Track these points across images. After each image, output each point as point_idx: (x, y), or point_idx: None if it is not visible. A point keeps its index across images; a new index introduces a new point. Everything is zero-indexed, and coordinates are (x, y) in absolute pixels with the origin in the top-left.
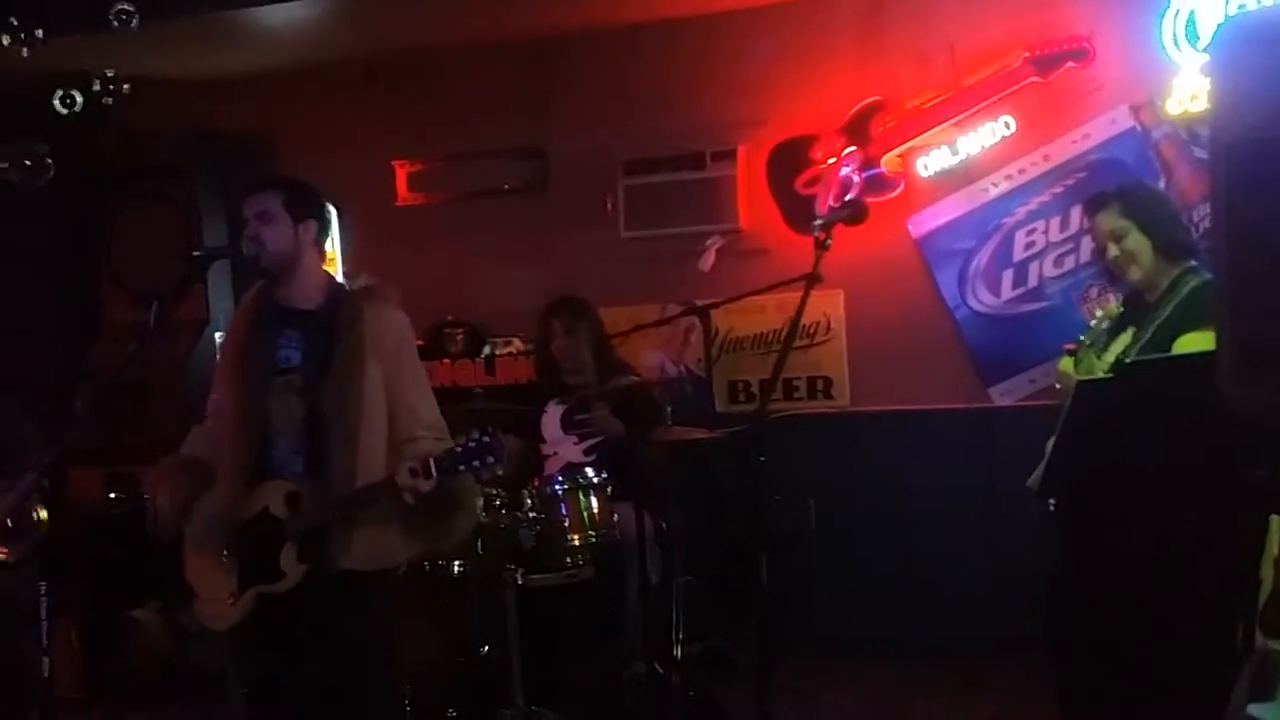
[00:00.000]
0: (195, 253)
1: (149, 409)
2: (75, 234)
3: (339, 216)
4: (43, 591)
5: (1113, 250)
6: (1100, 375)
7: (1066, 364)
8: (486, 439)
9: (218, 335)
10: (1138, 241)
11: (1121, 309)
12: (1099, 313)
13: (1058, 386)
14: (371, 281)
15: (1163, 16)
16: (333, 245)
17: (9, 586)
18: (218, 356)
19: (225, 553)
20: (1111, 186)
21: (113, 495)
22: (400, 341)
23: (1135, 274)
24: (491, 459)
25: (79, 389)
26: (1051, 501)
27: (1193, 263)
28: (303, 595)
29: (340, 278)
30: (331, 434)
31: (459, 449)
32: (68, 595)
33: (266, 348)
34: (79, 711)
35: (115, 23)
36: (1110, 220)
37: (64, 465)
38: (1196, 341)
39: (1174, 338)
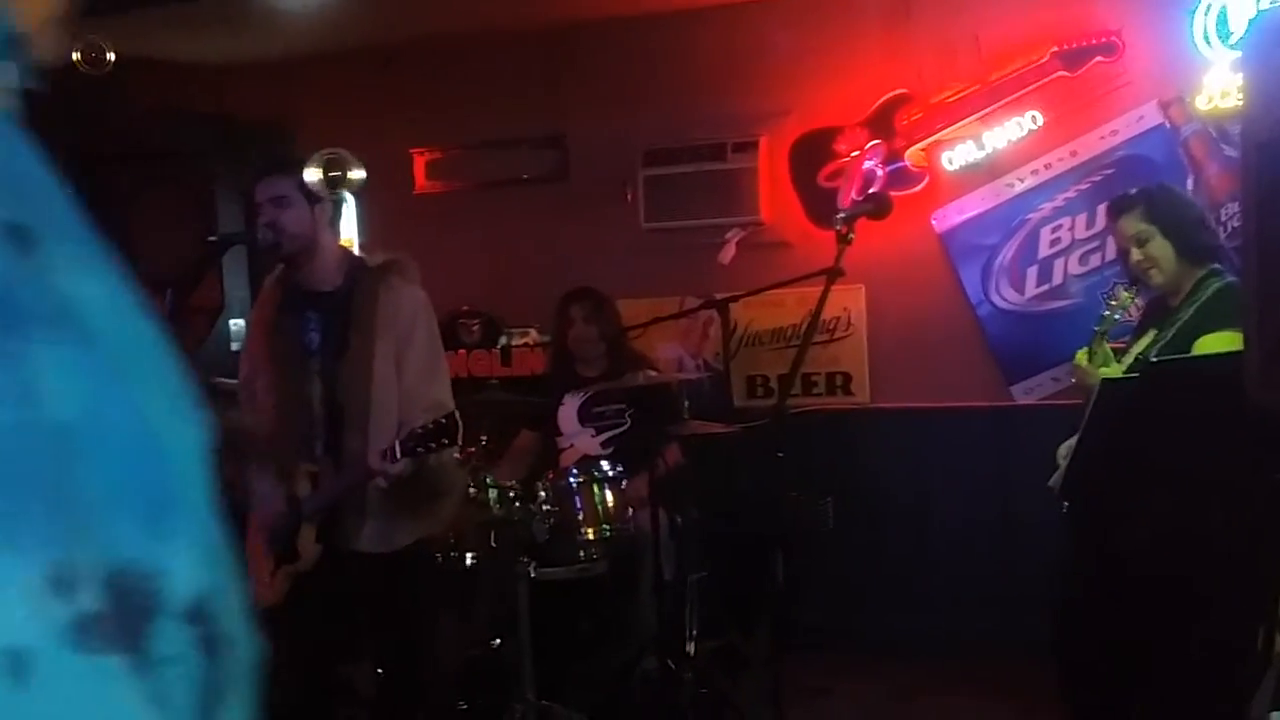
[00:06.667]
0: (211, 238)
1: None
2: (83, 216)
3: (357, 204)
4: None
5: (1135, 254)
6: (1122, 375)
7: (1081, 356)
8: (443, 420)
9: (233, 322)
10: (1160, 246)
11: (1133, 297)
12: (1113, 302)
13: (1073, 380)
14: (391, 257)
15: (1194, 12)
16: (350, 232)
17: None
18: (233, 344)
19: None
20: (1134, 189)
21: None
22: (414, 320)
23: (1158, 278)
24: (447, 440)
25: None
26: (1065, 504)
27: (1216, 265)
28: (328, 575)
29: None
30: (346, 417)
31: (419, 429)
32: None
33: (294, 332)
34: None
35: None
36: (1133, 224)
37: None
38: (1216, 342)
39: (1194, 339)
